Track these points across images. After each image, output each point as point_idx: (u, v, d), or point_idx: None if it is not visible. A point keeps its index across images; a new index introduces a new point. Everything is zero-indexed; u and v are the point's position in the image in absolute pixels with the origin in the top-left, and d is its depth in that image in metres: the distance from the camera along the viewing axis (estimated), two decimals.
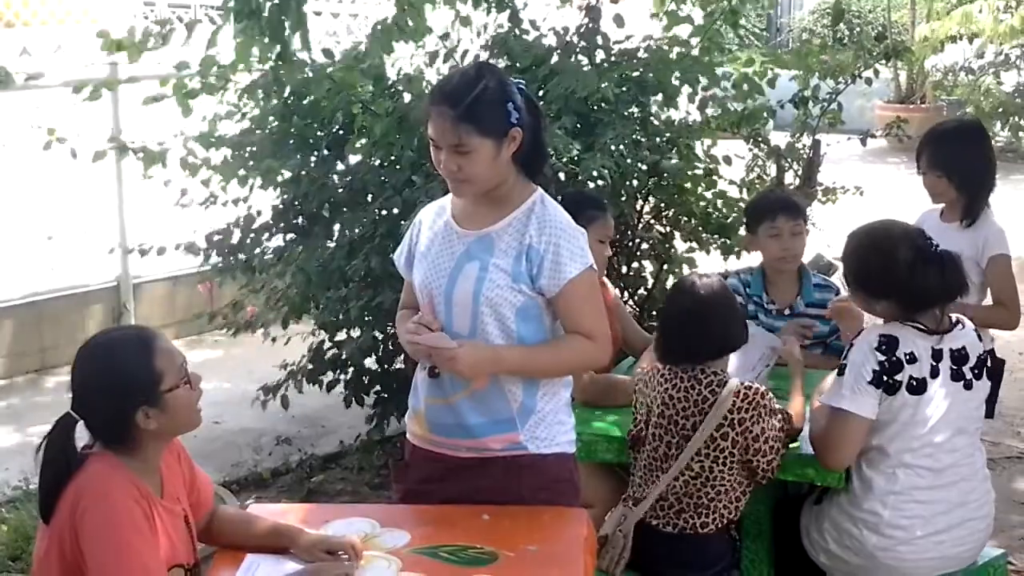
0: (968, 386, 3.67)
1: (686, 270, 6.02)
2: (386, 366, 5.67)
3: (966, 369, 3.67)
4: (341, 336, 5.67)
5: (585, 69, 5.44)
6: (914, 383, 3.59)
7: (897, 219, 3.91)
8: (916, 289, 3.62)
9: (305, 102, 5.46)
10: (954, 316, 3.74)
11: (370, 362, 5.64)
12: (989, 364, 3.81)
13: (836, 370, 3.70)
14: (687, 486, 3.67)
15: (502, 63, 5.49)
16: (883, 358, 3.59)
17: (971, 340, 3.73)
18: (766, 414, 3.64)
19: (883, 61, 6.63)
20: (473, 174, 3.20)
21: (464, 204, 3.34)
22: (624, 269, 5.93)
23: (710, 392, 3.66)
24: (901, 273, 3.63)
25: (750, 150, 6.32)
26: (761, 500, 3.81)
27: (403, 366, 5.53)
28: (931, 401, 3.61)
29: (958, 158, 4.64)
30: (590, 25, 5.64)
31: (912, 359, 3.60)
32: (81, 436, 2.85)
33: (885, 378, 3.58)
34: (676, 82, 5.51)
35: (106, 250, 6.80)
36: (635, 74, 5.54)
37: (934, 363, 3.62)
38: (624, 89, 5.39)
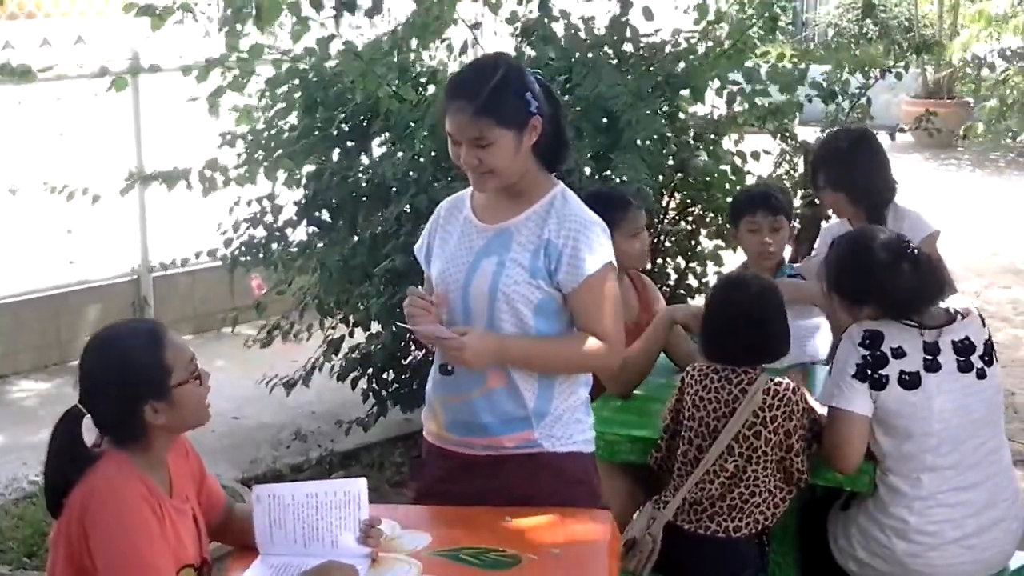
0: (981, 375, 3.62)
1: (711, 267, 5.99)
2: (403, 360, 5.63)
3: (974, 358, 3.62)
4: (362, 331, 5.62)
5: (612, 63, 5.37)
6: (906, 377, 3.54)
7: (878, 226, 3.91)
8: (892, 289, 3.60)
9: (329, 92, 5.40)
10: (954, 308, 3.69)
11: (392, 359, 5.60)
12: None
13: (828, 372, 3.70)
14: (722, 488, 3.60)
15: (529, 56, 5.43)
16: (866, 352, 3.56)
17: (974, 328, 3.68)
18: (799, 411, 3.57)
19: (913, 55, 6.52)
20: (495, 167, 3.13)
21: (484, 197, 3.28)
22: (649, 265, 5.86)
23: (740, 392, 3.60)
24: (877, 274, 3.62)
25: (779, 145, 6.24)
26: (789, 504, 3.72)
27: (419, 355, 5.50)
28: (936, 395, 3.55)
29: (850, 173, 4.51)
30: (621, 19, 5.57)
31: (900, 353, 3.56)
32: (89, 430, 2.80)
33: (869, 372, 3.55)
34: (708, 79, 5.44)
35: (126, 244, 6.76)
36: (663, 69, 5.46)
37: (929, 357, 3.57)
38: (652, 87, 5.31)
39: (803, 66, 5.77)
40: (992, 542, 3.64)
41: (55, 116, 6.78)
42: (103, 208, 5.91)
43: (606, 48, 5.54)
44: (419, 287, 3.33)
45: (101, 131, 6.45)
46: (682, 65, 5.47)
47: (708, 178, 5.74)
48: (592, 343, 3.19)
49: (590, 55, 5.41)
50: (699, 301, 5.94)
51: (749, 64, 5.67)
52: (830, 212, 6.04)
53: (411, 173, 5.26)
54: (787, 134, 6.19)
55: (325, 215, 5.66)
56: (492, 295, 3.17)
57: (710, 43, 5.62)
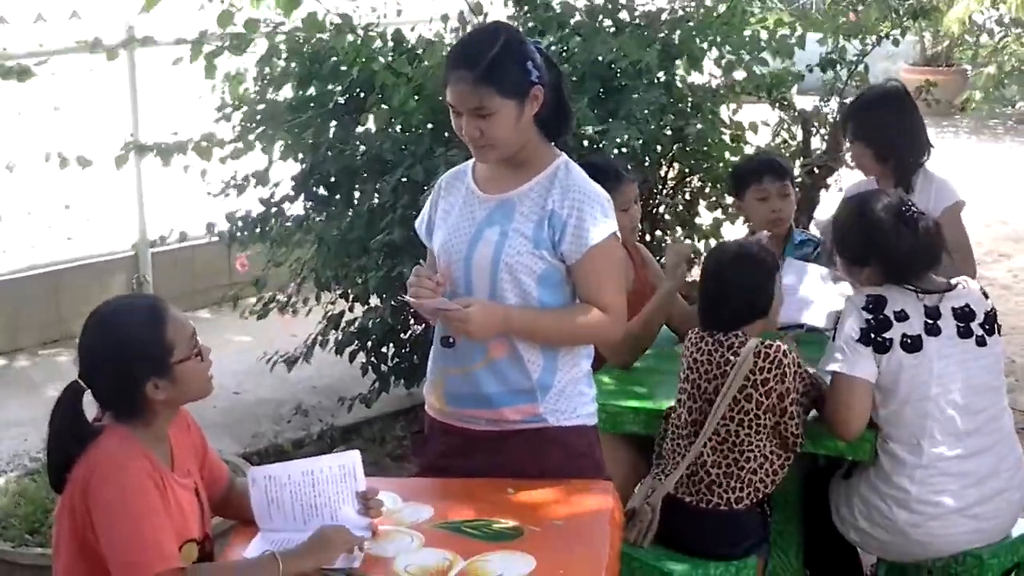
0: (981, 342, 3.64)
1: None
2: (403, 334, 5.63)
3: (974, 325, 3.64)
4: (361, 305, 5.62)
5: (611, 32, 5.35)
6: (908, 340, 3.56)
7: (883, 189, 3.93)
8: (893, 251, 3.63)
9: (323, 65, 5.38)
10: (954, 279, 3.72)
11: (391, 333, 5.59)
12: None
13: (831, 337, 3.70)
14: (715, 453, 3.60)
15: (522, 27, 5.40)
16: (869, 316, 3.58)
17: (975, 297, 3.70)
18: (791, 374, 3.56)
19: (910, 21, 6.49)
20: (496, 138, 3.11)
21: (486, 168, 3.27)
22: (648, 237, 5.85)
23: (732, 354, 3.60)
24: (879, 236, 3.64)
25: (777, 114, 6.22)
26: (791, 473, 3.73)
27: (418, 330, 5.49)
28: (936, 359, 3.57)
29: (877, 127, 4.52)
30: None
31: (902, 317, 3.58)
32: (89, 405, 2.80)
33: (873, 335, 3.57)
34: (704, 45, 5.42)
35: (124, 220, 6.74)
36: (660, 36, 5.44)
37: (930, 321, 3.59)
38: (649, 51, 5.29)
39: (799, 32, 5.73)
40: (995, 512, 3.65)
41: (50, 91, 6.73)
42: (101, 184, 5.89)
43: (602, 17, 5.52)
44: (421, 263, 3.32)
45: (97, 105, 6.42)
46: (679, 33, 5.45)
47: (706, 148, 5.72)
48: (595, 314, 3.18)
49: (584, 22, 5.38)
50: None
51: (747, 33, 5.64)
52: (829, 181, 6.05)
53: (408, 146, 5.25)
54: (785, 103, 6.17)
55: (322, 190, 5.64)
56: (495, 265, 3.16)
57: (703, 9, 5.59)
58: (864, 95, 4.84)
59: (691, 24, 5.46)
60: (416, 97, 5.06)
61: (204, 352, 2.86)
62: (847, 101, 6.18)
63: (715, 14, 5.55)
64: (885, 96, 4.69)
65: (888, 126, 4.50)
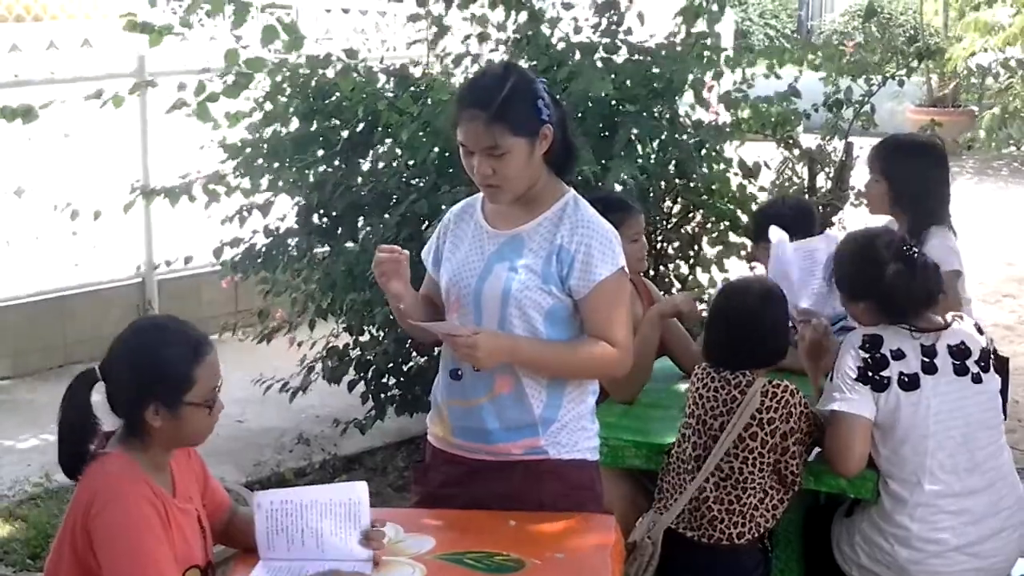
0: (977, 379, 3.66)
1: (714, 273, 5.99)
2: (404, 366, 5.64)
3: (970, 363, 3.66)
4: (364, 338, 5.63)
5: (604, 68, 5.37)
6: (905, 379, 3.58)
7: (884, 228, 3.96)
8: (890, 289, 3.65)
9: (328, 102, 5.42)
10: (950, 316, 3.74)
11: (393, 365, 5.61)
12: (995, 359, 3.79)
13: (828, 377, 3.71)
14: (717, 489, 3.61)
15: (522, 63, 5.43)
16: (866, 355, 3.61)
17: (970, 335, 3.72)
18: (796, 413, 3.57)
19: (915, 62, 6.53)
20: (508, 177, 3.14)
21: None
22: (651, 271, 5.87)
23: (739, 392, 3.61)
24: (877, 273, 3.67)
25: (781, 153, 6.24)
26: (793, 509, 3.74)
27: (420, 360, 5.50)
28: (933, 396, 3.59)
29: (900, 169, 4.49)
30: (612, 26, 5.57)
31: (899, 355, 3.60)
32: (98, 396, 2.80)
33: (870, 374, 3.59)
34: (691, 76, 5.45)
35: (131, 247, 6.77)
36: (655, 71, 5.46)
37: (926, 359, 3.61)
38: (650, 88, 5.32)
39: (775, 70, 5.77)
40: (993, 551, 3.66)
41: (60, 117, 6.76)
42: (108, 210, 5.92)
43: (601, 53, 5.54)
44: (420, 289, 3.35)
45: (107, 132, 6.46)
46: (668, 65, 5.47)
47: (711, 186, 5.74)
48: (603, 349, 3.20)
49: (581, 60, 5.41)
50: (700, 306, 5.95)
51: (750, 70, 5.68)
52: (833, 220, 6.06)
53: (413, 180, 5.28)
54: (791, 142, 6.20)
55: (325, 222, 5.66)
56: (504, 300, 3.18)
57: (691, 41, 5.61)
58: (904, 138, 4.82)
59: (680, 51, 5.49)
60: (421, 134, 5.08)
61: (216, 408, 2.86)
62: (851, 140, 6.24)
63: (694, 47, 5.56)
64: (924, 146, 4.68)
65: (917, 175, 4.47)
